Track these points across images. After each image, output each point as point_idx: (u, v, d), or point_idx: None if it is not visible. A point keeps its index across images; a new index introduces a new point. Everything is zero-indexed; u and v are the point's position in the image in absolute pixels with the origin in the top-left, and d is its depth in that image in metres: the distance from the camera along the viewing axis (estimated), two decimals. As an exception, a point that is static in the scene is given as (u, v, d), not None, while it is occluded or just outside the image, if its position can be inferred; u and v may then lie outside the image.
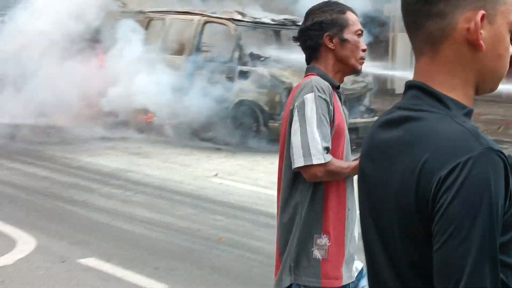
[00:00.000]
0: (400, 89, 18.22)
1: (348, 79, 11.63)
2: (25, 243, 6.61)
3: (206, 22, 13.27)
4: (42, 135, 12.32)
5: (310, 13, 3.27)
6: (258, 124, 12.25)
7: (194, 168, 10.31)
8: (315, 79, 3.17)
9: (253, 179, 9.69)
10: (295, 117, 3.10)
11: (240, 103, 12.35)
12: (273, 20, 13.52)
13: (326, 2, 3.28)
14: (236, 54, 12.74)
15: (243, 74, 12.52)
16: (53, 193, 8.55)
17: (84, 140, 12.14)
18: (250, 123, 12.31)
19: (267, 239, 6.89)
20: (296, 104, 3.11)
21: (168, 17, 13.66)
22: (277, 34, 13.96)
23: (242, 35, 12.88)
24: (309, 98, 3.09)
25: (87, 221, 7.41)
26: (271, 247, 6.92)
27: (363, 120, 12.70)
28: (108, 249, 6.53)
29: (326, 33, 3.21)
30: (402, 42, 20.27)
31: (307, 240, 3.12)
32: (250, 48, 13.10)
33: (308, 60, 3.36)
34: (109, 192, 8.68)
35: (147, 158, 10.97)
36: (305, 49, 3.31)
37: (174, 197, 8.49)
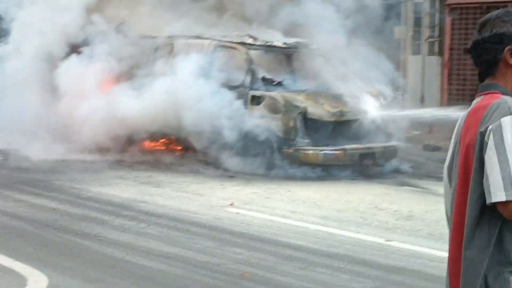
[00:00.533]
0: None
1: (359, 100, 11.16)
2: (37, 281, 6.21)
3: (216, 46, 12.94)
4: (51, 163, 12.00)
5: (487, 22, 2.82)
6: (272, 150, 11.86)
7: (208, 197, 9.92)
8: (510, 99, 2.71)
9: (270, 208, 9.29)
10: (491, 143, 2.62)
11: (253, 129, 11.97)
12: (285, 43, 13.19)
13: (506, 10, 2.81)
14: (248, 79, 12.40)
15: (256, 99, 12.17)
16: (63, 226, 8.16)
17: (93, 170, 11.77)
18: (264, 149, 11.93)
19: (293, 274, 6.50)
20: (490, 127, 2.65)
21: (178, 42, 13.32)
22: (288, 57, 13.62)
23: (253, 59, 12.55)
24: (508, 121, 2.64)
25: (100, 256, 7.01)
26: (298, 282, 6.57)
27: (379, 144, 12.32)
28: (125, 287, 6.12)
29: (508, 47, 2.77)
30: None
31: (498, 280, 2.68)
32: (262, 72, 12.75)
33: (482, 76, 2.88)
34: (122, 224, 8.29)
35: (158, 187, 10.58)
36: (479, 63, 2.83)
37: (190, 229, 8.09)
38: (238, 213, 8.97)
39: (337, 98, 12.29)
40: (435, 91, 20.42)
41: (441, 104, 20.39)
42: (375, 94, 12.84)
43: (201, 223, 8.39)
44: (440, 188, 11.43)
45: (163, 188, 10.49)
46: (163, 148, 13.49)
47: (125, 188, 10.40)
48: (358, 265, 6.75)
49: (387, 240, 7.69)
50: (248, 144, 12.00)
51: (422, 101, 20.40)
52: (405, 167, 12.74)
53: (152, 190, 10.32)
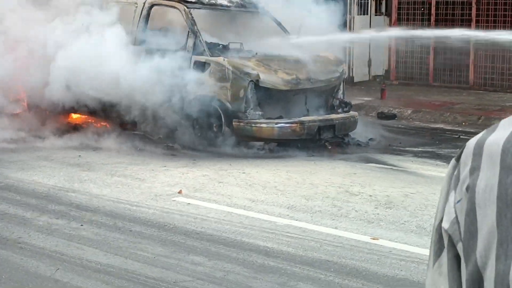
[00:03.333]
0: (357, 77, 16.57)
1: (320, 68, 9.85)
2: None
3: (152, 5, 11.34)
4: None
5: None
6: (220, 124, 10.42)
7: (151, 183, 8.43)
8: None
9: (226, 196, 7.88)
10: None
11: (197, 99, 10.48)
12: (230, 2, 11.67)
13: None
14: (190, 42, 10.86)
15: (199, 65, 10.65)
16: (-26, 228, 6.58)
17: (10, 150, 10.12)
18: (210, 123, 10.47)
19: (271, 292, 5.13)
20: None
21: (108, -1, 11.63)
22: (234, 18, 12.10)
23: (195, 20, 11.00)
24: None
25: (21, 274, 5.47)
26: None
27: (339, 116, 11.01)
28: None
29: None
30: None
31: None
32: (205, 34, 11.22)
33: None
34: (49, 223, 6.74)
35: (90, 170, 9.02)
36: None
37: (133, 228, 6.62)
38: (189, 203, 7.53)
39: (291, 64, 10.90)
40: (382, 51, 19.28)
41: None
42: (331, 58, 11.51)
43: (146, 219, 6.92)
44: (408, 164, 10.30)
45: (96, 172, 8.93)
46: (91, 121, 11.84)
47: (51, 173, 8.80)
48: (349, 277, 5.43)
49: (373, 238, 6.40)
50: (191, 117, 10.53)
51: (369, 64, 19.25)
52: (364, 139, 11.50)
53: (83, 175, 8.76)
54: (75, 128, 11.47)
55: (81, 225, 6.68)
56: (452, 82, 17.98)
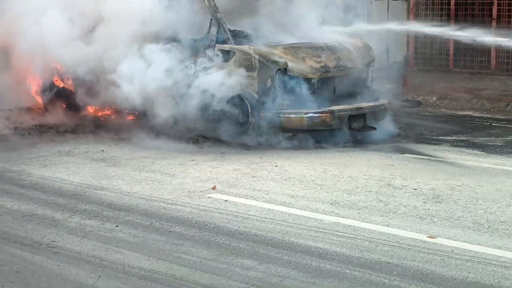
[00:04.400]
0: (376, 63, 16.11)
1: (348, 54, 9.36)
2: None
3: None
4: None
5: None
6: (247, 115, 9.97)
7: (182, 178, 8.01)
8: None
9: (263, 191, 7.45)
10: None
11: (222, 90, 10.02)
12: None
13: None
14: (214, 30, 10.40)
15: (224, 54, 10.19)
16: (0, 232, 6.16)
17: (28, 144, 9.71)
18: (237, 115, 10.02)
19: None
20: None
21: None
22: (254, 4, 11.64)
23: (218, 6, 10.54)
24: None
25: (61, 281, 5.06)
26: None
27: (369, 104, 10.56)
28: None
29: None
30: None
31: None
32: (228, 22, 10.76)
33: None
34: (82, 225, 6.32)
35: (116, 166, 8.60)
36: None
37: (173, 229, 6.20)
38: (226, 200, 7.11)
39: (319, 51, 10.45)
40: (400, 37, 18.82)
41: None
42: (360, 45, 11.06)
43: (184, 218, 6.50)
44: (445, 154, 9.87)
45: (122, 168, 8.51)
46: (110, 113, 11.41)
47: (76, 169, 8.38)
48: (415, 281, 5.01)
49: (430, 237, 5.98)
50: (217, 109, 10.07)
51: (387, 51, 18.78)
52: (395, 129, 11.07)
53: (109, 171, 8.34)
54: (95, 121, 11.06)
55: (116, 226, 6.26)
56: (474, 67, 17.53)
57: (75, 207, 6.85)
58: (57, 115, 11.16)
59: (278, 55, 10.05)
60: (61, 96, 11.50)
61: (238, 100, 9.95)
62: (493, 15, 17.32)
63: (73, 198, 7.18)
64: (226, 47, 10.19)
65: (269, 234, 6.06)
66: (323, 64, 10.22)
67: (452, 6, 17.99)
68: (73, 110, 11.31)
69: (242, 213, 6.66)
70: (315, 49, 10.44)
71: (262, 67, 9.92)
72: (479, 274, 5.13)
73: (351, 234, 6.06)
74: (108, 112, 11.25)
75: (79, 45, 10.51)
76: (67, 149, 9.45)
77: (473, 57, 17.51)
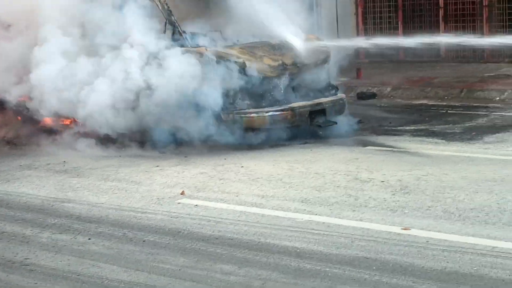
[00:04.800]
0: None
1: (305, 51, 9.39)
2: None
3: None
4: None
5: None
6: (208, 117, 9.92)
7: (149, 185, 7.94)
8: None
9: (232, 193, 7.44)
10: None
11: (180, 92, 9.96)
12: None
13: None
14: (168, 32, 10.32)
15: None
16: (-28, 251, 6.03)
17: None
18: (197, 116, 9.96)
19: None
20: None
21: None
22: (206, 3, 11.57)
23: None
24: None
25: (40, 300, 4.99)
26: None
27: (329, 99, 10.62)
28: None
29: None
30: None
31: None
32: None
33: None
34: (54, 240, 6.22)
35: (80, 176, 8.49)
36: None
37: (147, 238, 6.14)
38: (196, 205, 7.07)
39: (275, 49, 10.47)
40: (350, 31, 18.96)
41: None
42: (316, 40, 11.11)
43: (156, 226, 6.45)
44: (406, 144, 9.98)
45: (87, 178, 8.41)
46: (67, 124, 11.22)
47: (39, 183, 8.25)
48: (395, 275, 5.05)
49: (404, 229, 6.04)
50: (176, 111, 10.00)
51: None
52: (354, 122, 11.15)
53: (73, 182, 8.23)
54: (50, 132, 10.87)
55: (89, 239, 6.18)
56: (423, 56, 17.75)
57: (44, 221, 6.74)
58: (14, 128, 10.95)
59: (236, 55, 10.03)
60: (17, 108, 11.30)
61: (197, 102, 9.90)
62: (438, 3, 17.57)
63: (41, 212, 7.07)
64: (182, 49, 10.12)
65: (245, 237, 6.05)
66: (280, 62, 10.24)
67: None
68: (30, 122, 11.11)
69: (214, 217, 6.64)
70: (271, 48, 10.46)
71: (220, 68, 9.89)
72: (457, 263, 5.20)
73: (326, 231, 6.09)
74: (66, 122, 11.08)
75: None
76: (28, 163, 9.30)
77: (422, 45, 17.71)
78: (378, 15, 18.80)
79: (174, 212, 6.85)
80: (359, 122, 11.29)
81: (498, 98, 13.06)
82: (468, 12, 17.12)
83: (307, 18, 11.63)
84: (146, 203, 7.21)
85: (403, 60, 17.79)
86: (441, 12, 17.56)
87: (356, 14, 19.08)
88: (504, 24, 16.49)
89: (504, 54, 16.33)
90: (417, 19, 17.74)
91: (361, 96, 14.25)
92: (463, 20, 17.04)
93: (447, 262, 5.23)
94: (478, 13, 17.05)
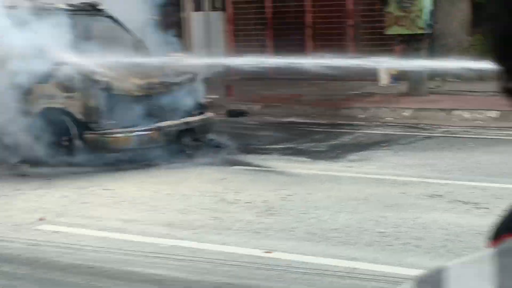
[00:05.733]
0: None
1: (172, 70, 9.34)
2: None
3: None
4: None
5: None
6: (71, 138, 9.65)
7: (6, 211, 7.59)
8: None
9: (95, 218, 7.22)
10: None
11: (43, 113, 9.67)
12: (69, 5, 10.88)
13: None
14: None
15: (42, 76, 9.80)
16: None
17: None
18: (59, 138, 9.67)
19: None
20: None
21: None
22: (74, 22, 11.28)
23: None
24: None
25: None
26: None
27: (197, 118, 10.57)
28: None
29: None
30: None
31: None
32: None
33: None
34: None
35: None
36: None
37: (2, 268, 5.84)
38: (56, 232, 6.81)
39: (142, 68, 10.31)
40: (221, 48, 19.03)
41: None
42: (184, 59, 11.04)
43: (13, 255, 6.15)
44: (274, 163, 10.05)
45: None
46: None
47: None
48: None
49: (266, 252, 6.03)
50: (37, 133, 9.66)
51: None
52: (222, 141, 11.14)
53: None
54: None
55: None
56: (292, 73, 18.02)
57: None
58: None
59: (101, 74, 9.81)
60: None
61: (60, 122, 9.62)
62: (305, 23, 17.94)
63: None
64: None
65: (106, 264, 5.86)
66: (147, 81, 10.10)
67: (269, 15, 18.44)
68: None
69: (74, 244, 6.41)
70: (138, 66, 10.30)
71: (85, 86, 9.66)
72: (316, 286, 5.23)
73: (189, 256, 6.00)
74: None
75: None
76: None
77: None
78: (249, 32, 18.98)
79: (32, 240, 6.57)
80: (229, 141, 11.29)
81: (362, 116, 13.41)
82: (334, 31, 17.56)
83: (173, 36, 11.60)
84: (3, 230, 6.88)
85: (273, 77, 18.01)
86: (308, 32, 17.92)
87: (227, 31, 19.18)
88: (373, 43, 17.01)
89: (367, 72, 16.82)
90: (286, 37, 18.01)
91: (232, 114, 14.28)
92: (331, 39, 17.45)
93: (307, 285, 5.25)
94: (344, 32, 17.52)
